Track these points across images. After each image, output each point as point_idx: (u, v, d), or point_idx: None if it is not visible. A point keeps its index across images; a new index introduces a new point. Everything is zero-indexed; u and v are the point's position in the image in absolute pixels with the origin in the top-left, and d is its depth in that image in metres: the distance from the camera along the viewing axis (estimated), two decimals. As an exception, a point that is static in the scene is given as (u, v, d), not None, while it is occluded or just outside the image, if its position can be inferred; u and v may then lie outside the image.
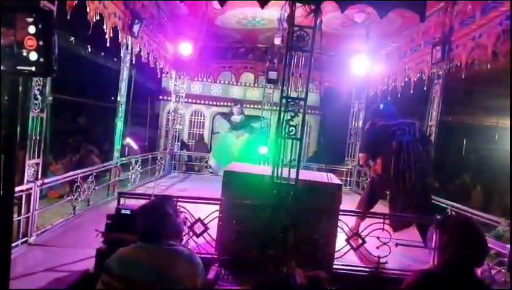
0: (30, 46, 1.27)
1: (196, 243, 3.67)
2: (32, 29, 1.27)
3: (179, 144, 10.57)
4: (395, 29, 6.90)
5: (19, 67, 1.29)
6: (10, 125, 1.40)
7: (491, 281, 3.48)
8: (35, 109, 3.94)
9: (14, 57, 1.27)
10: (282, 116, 3.60)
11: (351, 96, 9.93)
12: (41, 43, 1.27)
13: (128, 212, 3.15)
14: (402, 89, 7.36)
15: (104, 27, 5.20)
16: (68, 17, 4.29)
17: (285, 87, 3.51)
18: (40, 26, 1.26)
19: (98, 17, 4.87)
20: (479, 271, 3.29)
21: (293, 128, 3.61)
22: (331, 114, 13.04)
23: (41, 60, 1.28)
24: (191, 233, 3.67)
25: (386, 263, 3.87)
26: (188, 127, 13.25)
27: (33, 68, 1.32)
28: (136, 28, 5.94)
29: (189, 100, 12.22)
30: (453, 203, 5.41)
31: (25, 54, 1.30)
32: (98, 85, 12.43)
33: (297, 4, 3.51)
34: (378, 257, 3.85)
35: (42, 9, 1.33)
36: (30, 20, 1.27)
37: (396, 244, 3.90)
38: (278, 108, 3.59)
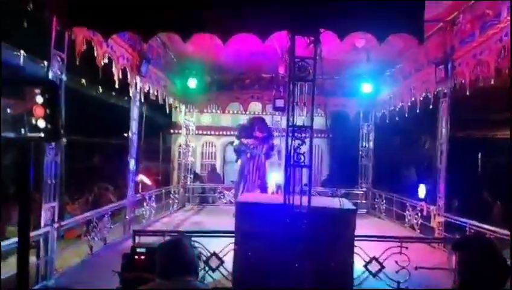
0: (38, 114, 1.39)
1: (212, 277, 3.66)
2: (39, 99, 1.38)
3: (192, 176, 10.63)
4: (397, 51, 6.99)
5: (29, 135, 1.41)
6: (23, 174, 1.49)
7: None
8: (49, 154, 4.06)
9: (24, 125, 1.38)
10: (290, 145, 3.66)
11: (359, 118, 9.97)
12: (48, 111, 1.39)
13: (143, 250, 3.17)
14: (409, 108, 7.37)
15: (113, 69, 5.38)
16: (77, 62, 4.47)
17: (290, 117, 3.57)
18: (46, 96, 1.38)
19: (106, 60, 5.05)
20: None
21: (302, 156, 3.65)
22: (341, 136, 13.01)
23: (49, 126, 1.39)
24: (206, 268, 3.66)
25: (407, 287, 3.80)
26: (200, 158, 13.35)
27: (42, 134, 1.43)
28: (144, 68, 6.13)
29: (200, 132, 12.38)
30: (471, 221, 5.32)
31: (33, 122, 1.41)
32: (110, 123, 12.70)
33: (297, 36, 3.62)
34: (398, 282, 3.78)
35: (48, 81, 1.45)
36: (38, 91, 1.38)
37: (416, 268, 3.84)
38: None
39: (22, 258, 1.56)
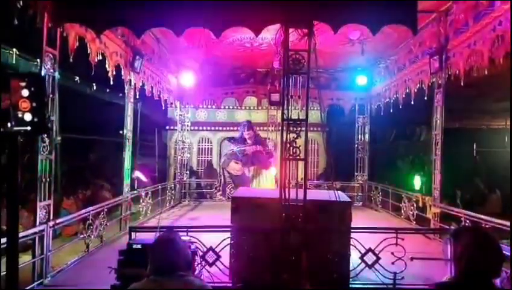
0: (24, 108, 1.37)
1: (209, 272, 3.66)
2: (25, 92, 1.37)
3: (188, 172, 10.63)
4: (391, 42, 6.97)
5: (15, 128, 1.39)
6: (11, 168, 1.47)
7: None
8: (43, 152, 4.03)
9: (10, 119, 1.36)
10: (285, 139, 3.65)
11: (354, 111, 9.97)
12: (34, 104, 1.37)
13: (139, 246, 3.16)
14: (404, 100, 7.36)
15: (107, 66, 5.34)
16: (71, 59, 4.43)
17: (285, 110, 3.56)
18: (32, 89, 1.36)
19: (99, 57, 5.02)
20: (498, 281, 3.22)
21: (297, 149, 3.65)
22: (337, 130, 13.04)
23: (36, 119, 1.38)
24: (203, 263, 3.66)
25: (403, 278, 3.81)
26: (196, 154, 13.34)
27: (28, 128, 1.42)
28: (137, 63, 6.09)
29: (196, 128, 12.36)
30: (466, 211, 5.34)
31: (20, 115, 1.41)
32: (105, 121, 12.65)
33: (291, 29, 3.60)
34: (394, 273, 3.80)
35: (33, 74, 1.43)
36: (23, 84, 1.36)
37: (412, 258, 3.85)
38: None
39: (11, 257, 1.55)
